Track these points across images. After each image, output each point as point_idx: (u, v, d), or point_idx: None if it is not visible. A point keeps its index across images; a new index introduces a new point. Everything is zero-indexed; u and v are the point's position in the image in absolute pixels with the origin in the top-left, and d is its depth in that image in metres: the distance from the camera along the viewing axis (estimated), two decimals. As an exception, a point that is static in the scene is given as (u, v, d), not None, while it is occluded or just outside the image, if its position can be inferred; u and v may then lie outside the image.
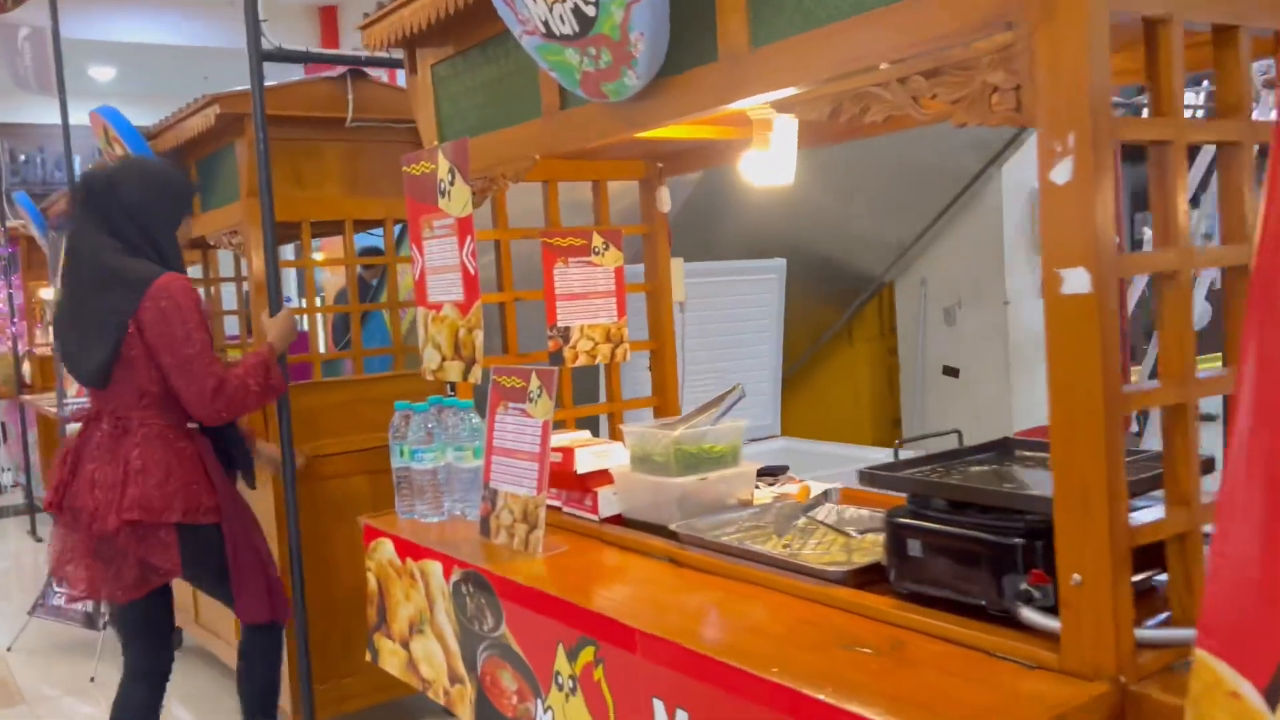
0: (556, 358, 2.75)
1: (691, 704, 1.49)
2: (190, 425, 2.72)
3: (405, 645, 2.29)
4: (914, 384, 6.13)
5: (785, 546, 1.90)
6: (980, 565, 1.45)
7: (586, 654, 1.70)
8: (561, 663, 1.76)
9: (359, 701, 3.63)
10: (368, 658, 2.46)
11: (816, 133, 2.17)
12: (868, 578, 1.66)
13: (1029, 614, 1.36)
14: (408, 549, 2.28)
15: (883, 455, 4.39)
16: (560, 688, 1.78)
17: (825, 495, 2.01)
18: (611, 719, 1.65)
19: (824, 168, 5.53)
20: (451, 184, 2.51)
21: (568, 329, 2.77)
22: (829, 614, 1.59)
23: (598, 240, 2.81)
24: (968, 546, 1.46)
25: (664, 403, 2.95)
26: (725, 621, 1.61)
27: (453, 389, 2.68)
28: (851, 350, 6.62)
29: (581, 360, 2.79)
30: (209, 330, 2.73)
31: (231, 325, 5.24)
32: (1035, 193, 5.67)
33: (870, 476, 1.65)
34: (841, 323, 6.55)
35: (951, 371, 5.89)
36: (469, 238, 2.48)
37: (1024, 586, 1.40)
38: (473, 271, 2.49)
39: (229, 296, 5.06)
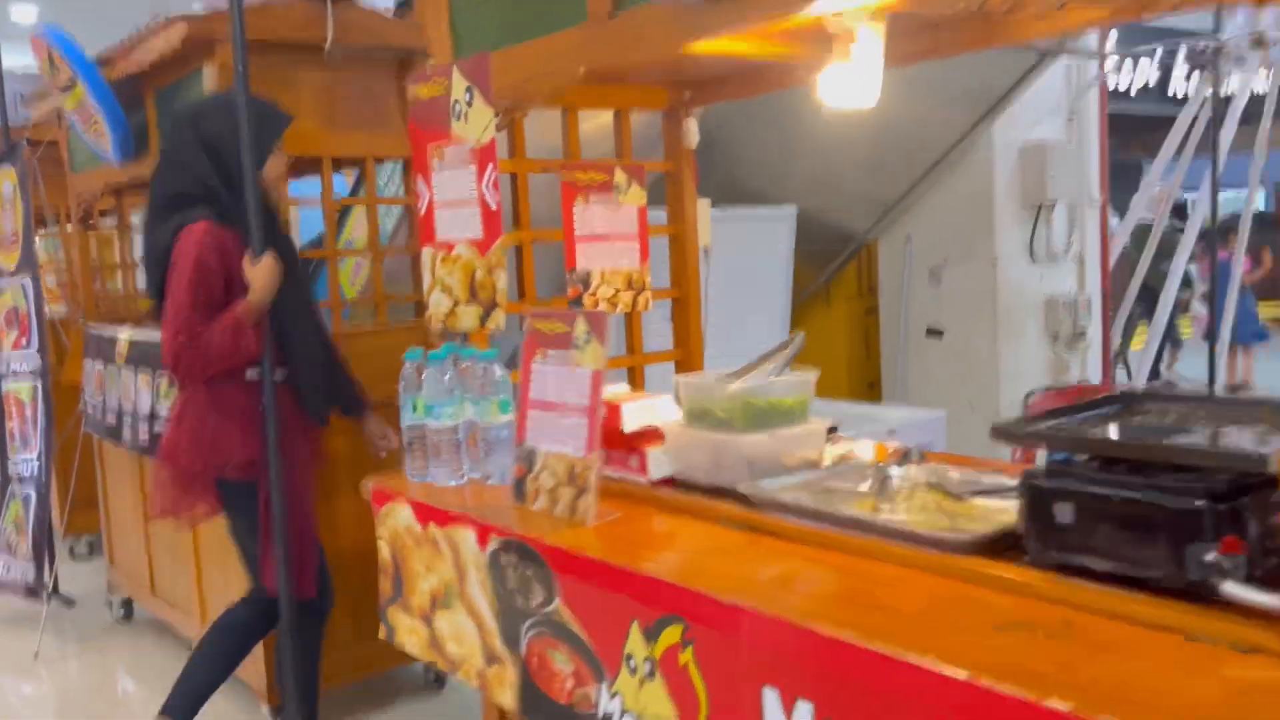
0: (576, 306, 2.50)
1: (818, 695, 1.27)
2: (251, 375, 2.64)
3: (427, 621, 2.04)
4: (895, 345, 5.98)
5: (874, 511, 1.69)
6: (1156, 533, 1.25)
7: (670, 634, 1.47)
8: (635, 644, 1.54)
9: (343, 678, 3.36)
10: (381, 634, 2.21)
11: (906, 45, 1.93)
12: (994, 547, 1.45)
13: (1234, 589, 1.17)
14: (430, 514, 2.02)
15: (901, 414, 4.23)
16: (632, 671, 1.55)
17: (908, 454, 1.80)
18: (703, 708, 1.43)
19: (804, 120, 5.32)
20: (469, 105, 2.23)
21: (588, 274, 2.53)
22: (960, 588, 1.38)
23: (620, 176, 2.55)
24: (1139, 511, 1.26)
25: (686, 356, 2.71)
26: (840, 598, 1.39)
27: (465, 338, 2.42)
28: (829, 311, 6.45)
29: (602, 309, 2.54)
30: (218, 284, 2.57)
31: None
32: (1025, 149, 5.54)
33: (1006, 433, 1.44)
34: (820, 283, 6.37)
35: (935, 333, 5.75)
36: (490, 167, 2.21)
37: (1213, 557, 1.20)
38: (494, 206, 2.23)
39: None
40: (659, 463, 1.96)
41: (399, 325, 3.57)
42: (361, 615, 3.44)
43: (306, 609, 2.80)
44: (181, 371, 2.57)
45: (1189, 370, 8.34)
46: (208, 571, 3.64)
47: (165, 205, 2.64)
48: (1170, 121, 6.75)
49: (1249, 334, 8.36)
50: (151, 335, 3.65)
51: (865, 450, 2.05)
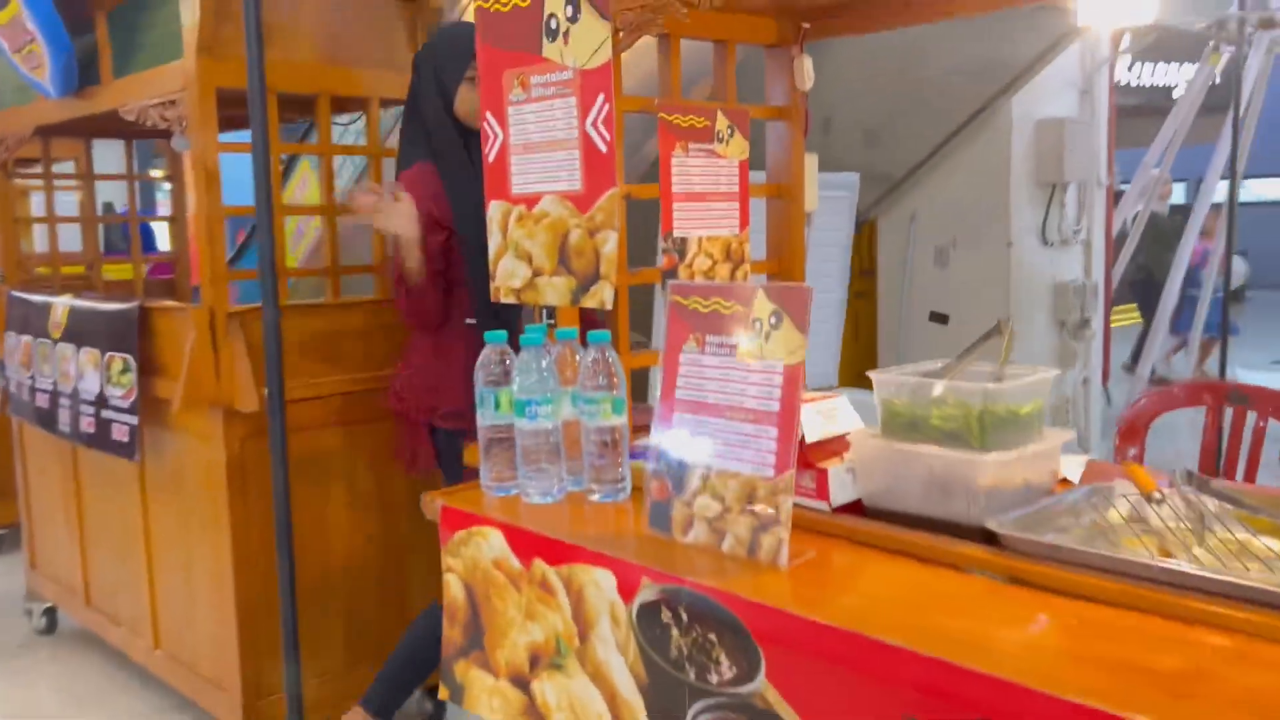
0: (671, 278, 2.04)
1: None
2: (469, 323, 2.47)
3: (522, 685, 1.57)
4: (894, 331, 5.63)
5: (1164, 556, 1.28)
6: None
7: (983, 746, 1.04)
8: (912, 751, 1.10)
9: (329, 709, 2.83)
10: (443, 694, 1.73)
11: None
12: None
13: None
14: (537, 546, 1.55)
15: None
16: (901, 789, 1.11)
17: (1195, 480, 1.39)
18: None
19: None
20: (573, 21, 1.75)
21: (684, 241, 2.07)
22: None
23: (722, 122, 2.10)
24: None
25: (787, 343, 2.27)
26: (1265, 701, 0.97)
27: (550, 316, 1.94)
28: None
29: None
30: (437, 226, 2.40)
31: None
32: (1042, 125, 5.22)
33: None
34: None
35: (940, 318, 5.41)
36: (600, 99, 1.73)
37: None
38: (604, 148, 1.75)
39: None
40: (842, 484, 1.52)
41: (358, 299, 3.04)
42: (354, 639, 2.94)
43: None
44: (406, 317, 2.50)
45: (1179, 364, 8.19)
46: (164, 581, 3.07)
47: (401, 150, 2.55)
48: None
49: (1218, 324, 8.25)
50: (98, 305, 3.06)
51: (1070, 467, 1.64)
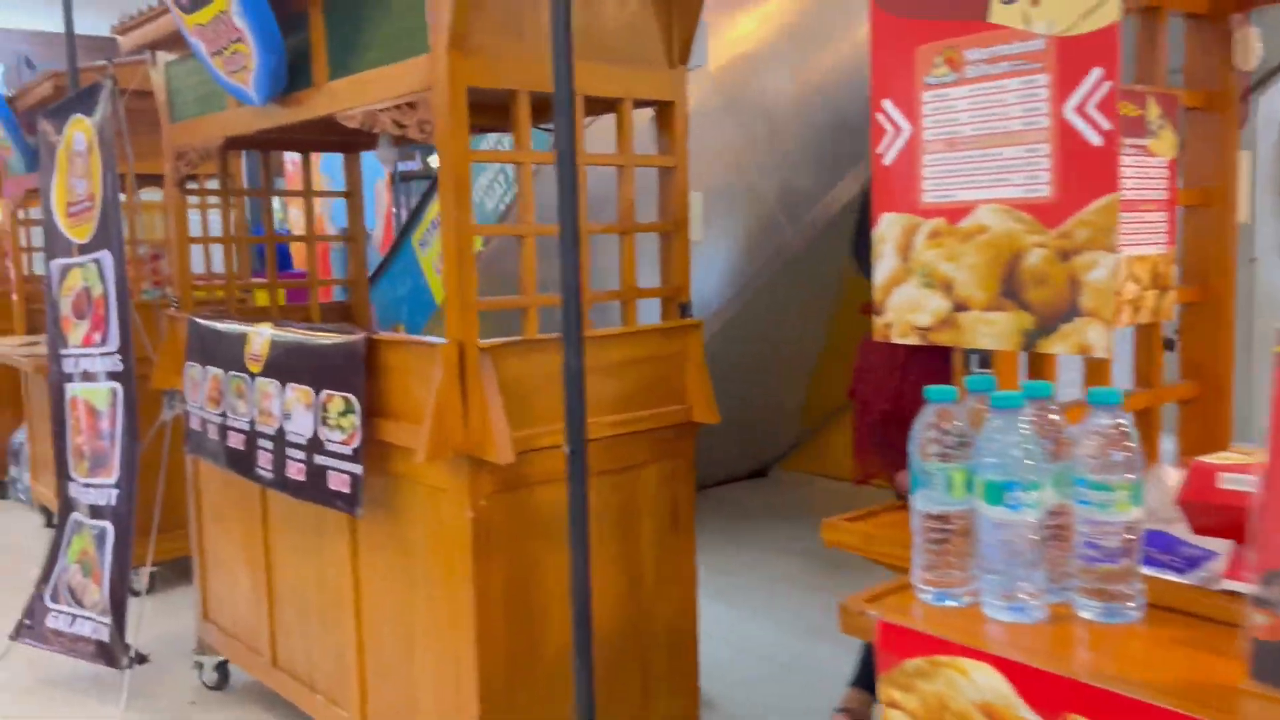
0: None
1: None
2: None
3: None
4: (1108, 358, 5.06)
5: None
6: None
7: None
8: None
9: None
10: None
11: None
12: None
13: None
14: (1077, 698, 1.10)
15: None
16: None
17: None
18: None
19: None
20: (1047, -28, 1.31)
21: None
22: None
23: (1153, 111, 1.64)
24: None
25: (1213, 392, 1.81)
26: None
27: (983, 363, 1.51)
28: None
29: (1123, 317, 1.63)
30: None
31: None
32: (1287, 127, 4.62)
33: None
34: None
35: (1167, 344, 4.82)
36: (1096, 75, 1.29)
37: None
38: (1098, 140, 1.30)
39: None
40: None
41: (658, 327, 2.63)
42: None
43: None
44: None
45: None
46: (377, 649, 2.69)
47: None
48: None
49: None
50: (310, 336, 2.70)
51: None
